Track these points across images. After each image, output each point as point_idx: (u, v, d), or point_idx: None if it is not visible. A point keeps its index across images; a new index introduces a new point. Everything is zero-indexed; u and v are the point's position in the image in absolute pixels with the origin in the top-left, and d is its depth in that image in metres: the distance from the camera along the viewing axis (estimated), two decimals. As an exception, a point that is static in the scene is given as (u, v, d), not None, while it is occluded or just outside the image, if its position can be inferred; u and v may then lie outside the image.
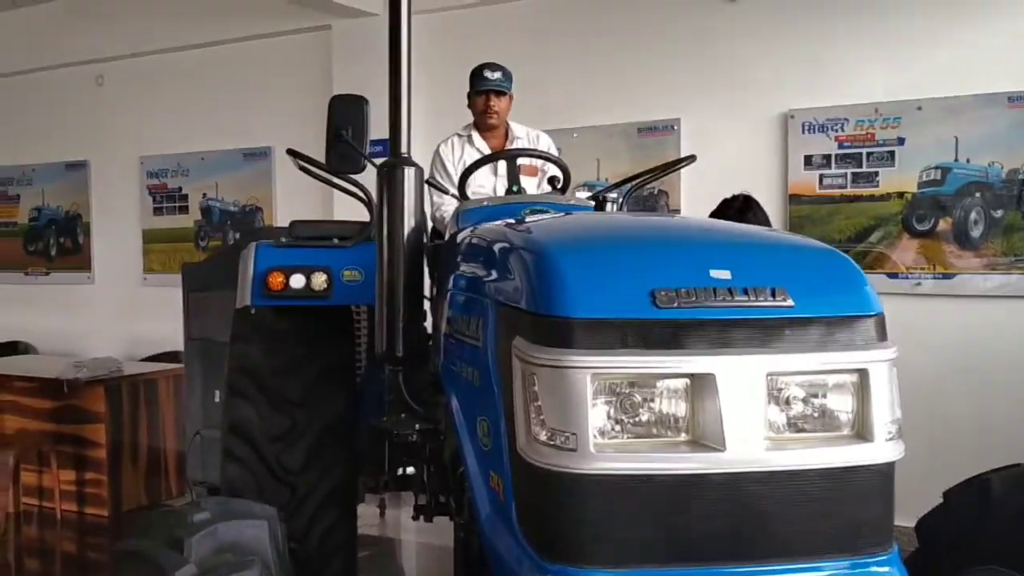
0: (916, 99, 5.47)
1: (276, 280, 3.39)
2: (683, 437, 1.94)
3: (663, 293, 1.92)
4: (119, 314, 8.49)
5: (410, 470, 3.34)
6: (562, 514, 1.92)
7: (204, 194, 8.15)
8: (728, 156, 5.82)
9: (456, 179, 4.02)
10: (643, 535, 1.91)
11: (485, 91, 4.51)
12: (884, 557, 2.03)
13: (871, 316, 2.04)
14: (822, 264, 2.15)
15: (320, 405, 3.45)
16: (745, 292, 1.94)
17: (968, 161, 5.37)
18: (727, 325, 1.93)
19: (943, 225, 5.46)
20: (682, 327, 1.91)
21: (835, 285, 2.08)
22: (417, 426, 2.86)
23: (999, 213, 5.33)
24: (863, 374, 2.00)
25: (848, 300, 2.05)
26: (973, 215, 5.38)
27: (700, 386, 1.92)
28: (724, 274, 1.97)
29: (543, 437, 1.91)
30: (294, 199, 7.40)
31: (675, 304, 1.91)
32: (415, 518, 3.26)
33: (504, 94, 4.53)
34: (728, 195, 4.65)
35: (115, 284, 8.65)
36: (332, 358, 3.56)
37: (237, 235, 7.78)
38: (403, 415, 2.90)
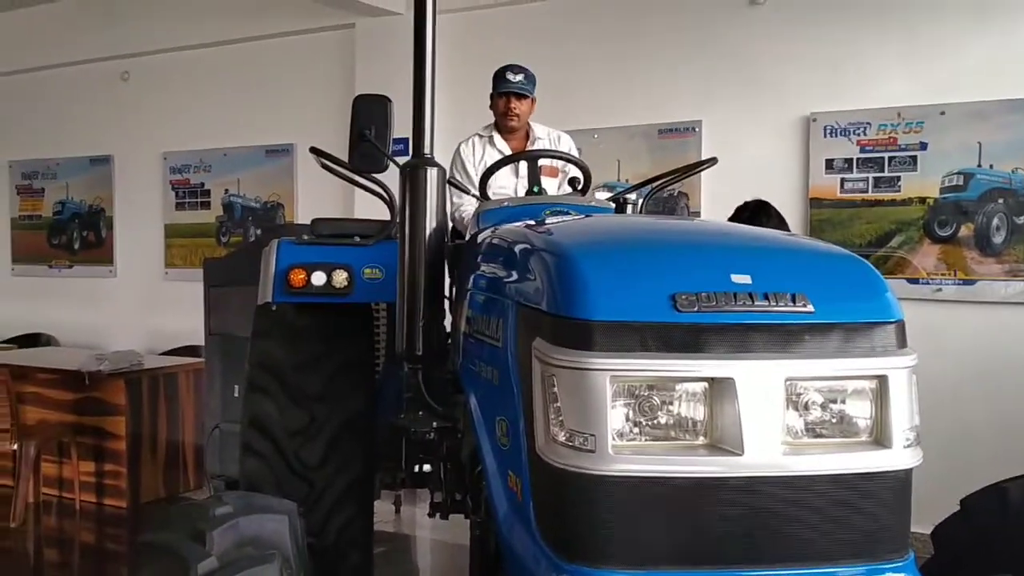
0: (940, 104, 5.45)
1: (298, 277, 3.42)
2: (701, 440, 1.95)
3: (683, 297, 1.93)
4: (140, 308, 8.56)
5: (427, 468, 3.36)
6: (579, 514, 1.93)
7: (226, 190, 8.20)
8: (749, 158, 5.81)
9: (476, 179, 4.04)
10: (660, 537, 1.91)
11: (506, 93, 4.52)
12: (900, 564, 2.03)
13: (891, 323, 2.04)
14: (843, 270, 2.15)
15: (339, 401, 3.47)
16: (765, 297, 1.95)
17: (991, 167, 5.34)
18: (747, 330, 1.93)
19: (965, 231, 5.44)
20: (702, 331, 1.91)
21: (855, 291, 2.08)
22: (435, 424, 2.87)
23: (1021, 219, 5.30)
24: (882, 380, 1.99)
25: (868, 306, 2.05)
26: (995, 221, 5.35)
27: (719, 390, 1.93)
28: (745, 279, 1.98)
29: (562, 438, 1.93)
30: (315, 196, 7.43)
31: (695, 308, 1.92)
32: (431, 515, 3.28)
33: (525, 97, 4.54)
34: (746, 199, 4.64)
35: (137, 278, 8.72)
36: (351, 355, 3.58)
37: (258, 231, 7.82)
38: (421, 413, 2.92)
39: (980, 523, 2.60)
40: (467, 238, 3.44)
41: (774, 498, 1.94)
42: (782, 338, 1.95)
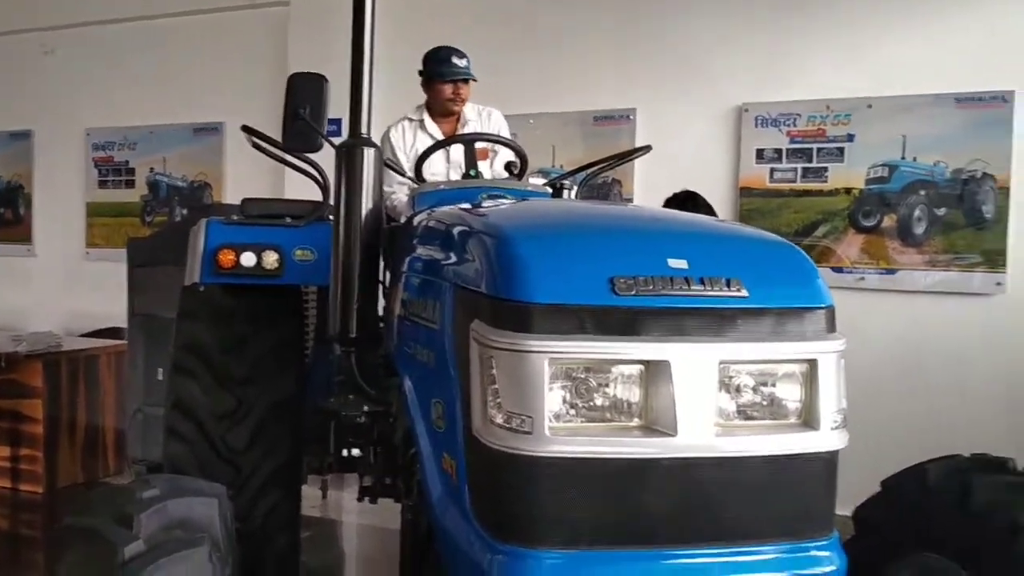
0: (867, 97, 5.58)
1: (227, 258, 3.36)
2: (636, 422, 1.98)
3: (622, 281, 1.95)
4: (60, 288, 8.31)
5: (356, 452, 3.33)
6: (515, 495, 1.94)
7: (152, 168, 8.01)
8: (682, 147, 5.87)
9: (407, 166, 4.00)
10: (594, 517, 1.94)
11: (453, 80, 4.45)
12: (825, 542, 2.10)
13: (822, 308, 2.10)
14: (776, 256, 2.19)
15: (267, 384, 3.43)
16: (701, 281, 1.99)
17: (915, 159, 5.49)
18: (683, 314, 1.96)
19: (888, 222, 5.58)
20: (639, 314, 1.94)
21: (788, 277, 2.13)
22: (366, 408, 2.85)
23: (942, 211, 5.45)
24: (812, 364, 2.05)
25: (800, 292, 2.10)
26: (917, 213, 5.50)
27: (654, 372, 1.95)
28: (681, 263, 2.01)
29: (499, 420, 1.93)
30: (244, 177, 7.31)
31: (633, 292, 1.94)
32: (360, 499, 3.26)
33: (470, 81, 4.50)
34: (679, 186, 4.70)
35: (57, 257, 8.47)
36: (280, 337, 3.54)
37: (184, 211, 7.67)
38: (352, 396, 2.90)
39: (901, 503, 2.68)
40: (402, 221, 3.41)
41: (706, 478, 1.98)
42: (717, 322, 1.99)
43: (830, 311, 2.11)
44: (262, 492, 3.35)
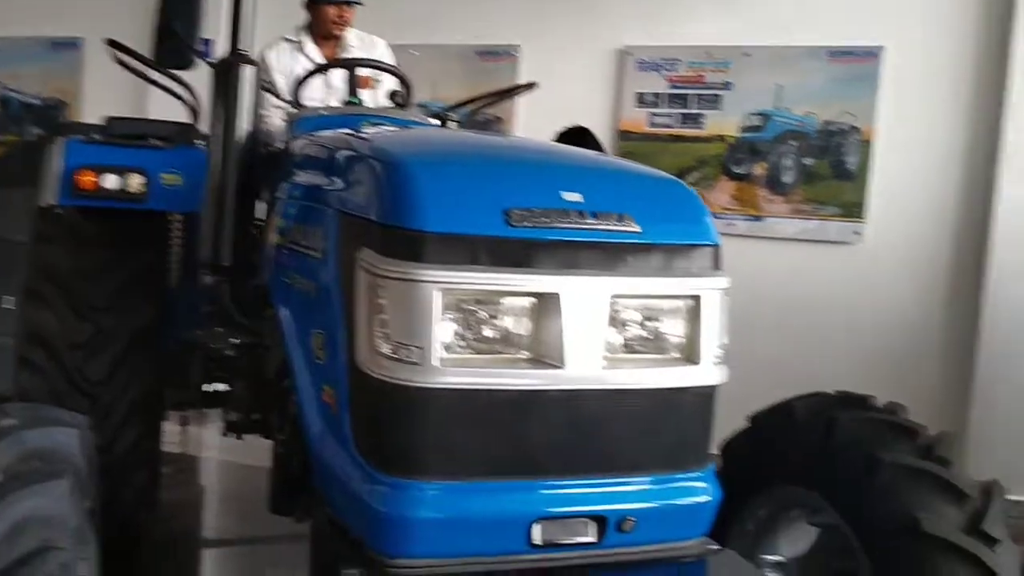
0: (746, 45, 5.67)
1: (87, 179, 3.19)
2: (525, 354, 1.96)
3: (516, 212, 1.92)
4: None
5: (221, 386, 3.23)
6: (401, 427, 1.91)
7: (2, 84, 7.48)
8: (564, 87, 5.83)
9: (284, 90, 3.83)
10: (480, 448, 1.93)
11: (339, 2, 4.25)
12: (702, 472, 2.16)
13: (709, 246, 2.13)
14: (667, 194, 2.21)
15: (127, 313, 3.32)
16: (595, 215, 1.98)
17: (788, 110, 5.63)
18: (575, 247, 1.95)
19: (759, 170, 5.73)
20: (532, 246, 1.91)
21: (678, 214, 2.14)
22: (236, 340, 2.76)
23: (810, 162, 5.63)
24: (697, 300, 2.08)
25: (689, 229, 2.12)
26: (787, 162, 5.67)
27: (544, 305, 1.94)
28: (575, 196, 1.99)
29: (386, 350, 1.88)
30: (104, 96, 6.85)
31: (527, 223, 1.92)
32: (225, 434, 3.16)
33: (355, 6, 4.30)
34: (561, 126, 4.67)
35: None
36: (142, 265, 3.42)
37: (38, 130, 7.22)
38: (220, 328, 2.80)
39: (767, 436, 2.78)
40: (279, 147, 3.28)
41: (591, 410, 1.99)
42: (607, 256, 1.98)
43: (716, 249, 2.14)
44: (122, 426, 3.27)
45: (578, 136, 4.53)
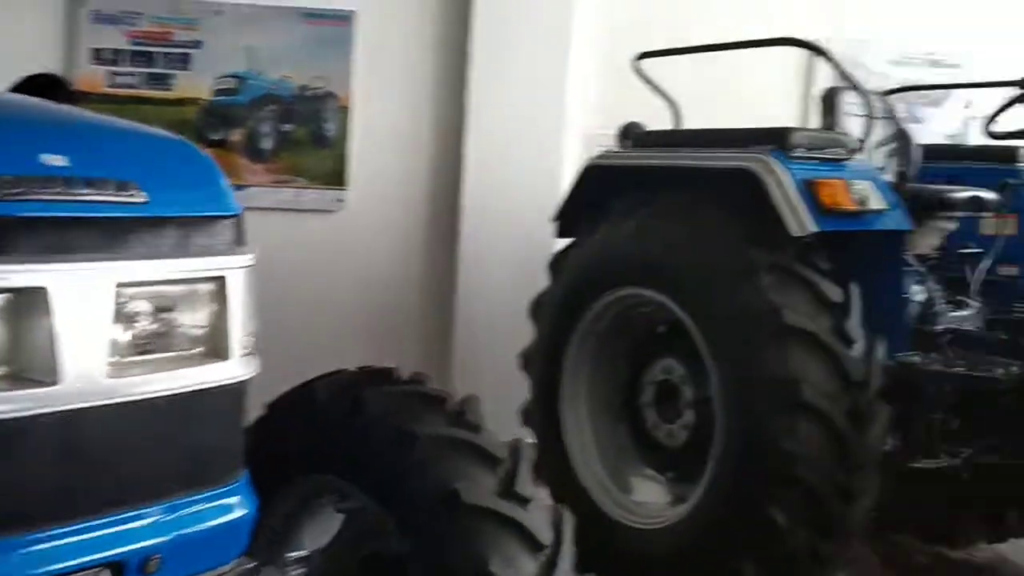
0: (217, 2, 5.31)
1: None
2: (3, 371, 1.50)
3: (-19, 182, 1.43)
4: None
5: None
6: None
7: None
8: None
9: None
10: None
11: None
12: (233, 486, 1.88)
13: (230, 217, 1.86)
14: (175, 156, 1.87)
15: None
16: (88, 183, 1.56)
17: (262, 74, 5.39)
18: (64, 225, 1.54)
19: (237, 136, 5.43)
20: (6, 227, 1.46)
21: (191, 180, 1.83)
22: None
23: (288, 127, 5.46)
24: (220, 283, 1.79)
25: (205, 198, 1.82)
26: (265, 128, 5.44)
27: (27, 304, 1.50)
28: (60, 160, 1.56)
29: None
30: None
31: (-4, 196, 1.44)
32: None
33: None
34: (19, 77, 3.88)
35: None
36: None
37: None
38: None
39: (288, 423, 2.56)
40: None
41: (95, 433, 1.61)
42: (108, 235, 1.61)
43: (238, 220, 1.88)
44: None
45: (46, 87, 3.80)
